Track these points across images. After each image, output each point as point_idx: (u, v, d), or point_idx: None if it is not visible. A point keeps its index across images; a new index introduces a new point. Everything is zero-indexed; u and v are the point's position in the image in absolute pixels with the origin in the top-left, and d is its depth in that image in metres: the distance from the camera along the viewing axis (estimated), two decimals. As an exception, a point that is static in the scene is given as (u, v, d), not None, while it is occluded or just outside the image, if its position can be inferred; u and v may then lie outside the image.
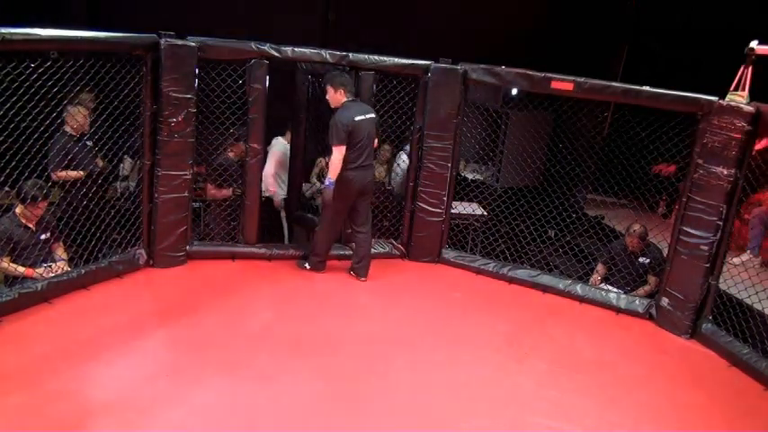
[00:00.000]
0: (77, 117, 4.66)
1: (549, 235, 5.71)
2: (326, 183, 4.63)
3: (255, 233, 5.15)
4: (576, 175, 5.77)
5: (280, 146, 6.08)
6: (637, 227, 5.07)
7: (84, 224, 4.39)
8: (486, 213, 5.94)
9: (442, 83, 5.16)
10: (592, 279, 5.26)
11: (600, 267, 5.31)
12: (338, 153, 4.58)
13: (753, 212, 5.48)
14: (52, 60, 3.82)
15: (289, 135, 5.91)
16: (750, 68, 4.32)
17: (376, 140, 4.96)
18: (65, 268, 4.30)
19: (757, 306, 4.28)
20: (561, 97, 5.08)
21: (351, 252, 5.36)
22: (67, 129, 4.68)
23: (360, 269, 5.01)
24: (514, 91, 6.37)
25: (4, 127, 3.66)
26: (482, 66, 5.13)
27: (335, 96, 4.69)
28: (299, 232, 6.12)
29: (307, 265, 5.07)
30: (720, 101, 4.37)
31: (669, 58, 7.34)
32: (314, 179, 6.33)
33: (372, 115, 4.79)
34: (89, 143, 4.89)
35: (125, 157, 5.37)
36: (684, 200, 4.59)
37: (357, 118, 4.63)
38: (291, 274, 5.01)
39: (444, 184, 5.38)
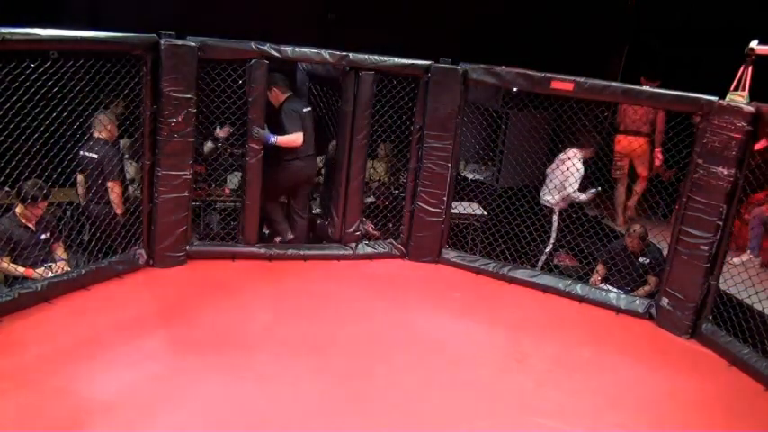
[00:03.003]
0: (107, 125, 4.68)
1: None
2: (269, 137, 4.85)
3: (255, 233, 5.15)
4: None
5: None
6: (637, 227, 5.08)
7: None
8: (486, 213, 5.93)
9: (442, 83, 5.15)
10: (592, 279, 5.26)
11: (600, 267, 5.31)
12: (297, 138, 4.95)
13: (753, 212, 5.47)
14: (52, 60, 3.81)
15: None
16: (750, 68, 4.32)
17: None
18: (65, 268, 4.30)
19: (757, 306, 4.28)
20: (561, 97, 5.07)
21: (351, 252, 5.37)
22: (104, 135, 4.71)
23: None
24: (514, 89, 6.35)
25: (4, 127, 3.66)
26: (482, 66, 5.12)
27: (274, 95, 5.02)
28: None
29: (285, 237, 5.33)
30: (720, 101, 4.37)
31: (669, 57, 7.33)
32: None
33: (311, 109, 5.25)
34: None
35: (131, 161, 5.36)
36: (684, 200, 4.59)
37: (304, 110, 5.12)
38: (291, 274, 5.01)
39: (444, 184, 5.37)
